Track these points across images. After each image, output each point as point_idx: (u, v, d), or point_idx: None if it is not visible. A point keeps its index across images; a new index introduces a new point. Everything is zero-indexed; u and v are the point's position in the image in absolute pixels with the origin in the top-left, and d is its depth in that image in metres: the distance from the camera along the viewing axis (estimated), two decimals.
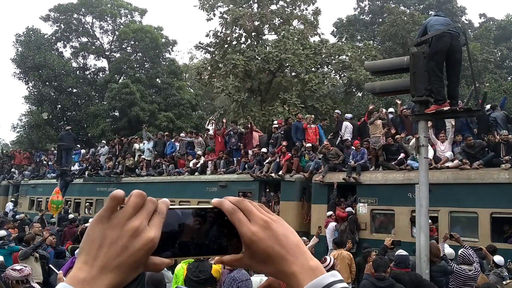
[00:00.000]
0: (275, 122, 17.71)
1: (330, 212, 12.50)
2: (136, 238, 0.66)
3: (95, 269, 0.64)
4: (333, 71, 26.93)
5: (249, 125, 17.21)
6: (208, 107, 40.49)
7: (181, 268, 6.03)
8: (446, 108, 7.27)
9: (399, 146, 12.87)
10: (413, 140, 11.11)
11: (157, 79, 35.17)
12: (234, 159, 16.60)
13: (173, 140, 19.57)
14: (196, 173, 16.84)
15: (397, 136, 13.14)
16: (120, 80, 34.38)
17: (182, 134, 19.74)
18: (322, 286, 0.69)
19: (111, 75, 35.46)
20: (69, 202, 20.36)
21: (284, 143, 14.97)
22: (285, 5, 28.03)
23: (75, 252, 7.66)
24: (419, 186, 7.29)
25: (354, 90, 28.18)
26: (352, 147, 13.47)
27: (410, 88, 7.44)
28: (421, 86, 7.23)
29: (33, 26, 35.64)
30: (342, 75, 26.46)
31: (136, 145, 20.75)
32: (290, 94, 23.72)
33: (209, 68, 26.81)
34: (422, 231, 7.14)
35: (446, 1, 33.37)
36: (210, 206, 0.73)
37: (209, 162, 16.89)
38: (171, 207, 0.71)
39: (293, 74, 25.95)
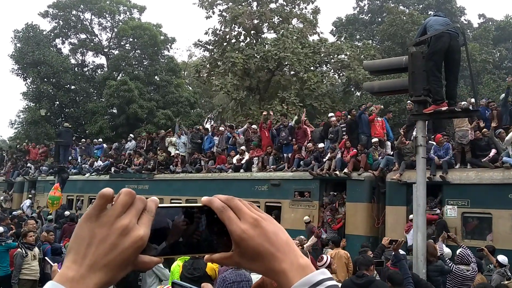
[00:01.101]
0: (331, 114, 16.33)
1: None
2: (125, 237, 0.65)
3: (83, 267, 0.64)
4: (332, 70, 26.95)
5: (302, 118, 15.89)
6: (207, 105, 40.45)
7: (177, 265, 6.04)
8: (444, 108, 7.28)
9: (488, 141, 11.46)
10: (511, 135, 10.65)
11: (156, 77, 35.12)
12: (284, 154, 15.21)
13: (210, 134, 18.17)
14: (241, 170, 15.50)
15: (485, 130, 11.74)
16: (119, 77, 34.29)
17: (221, 128, 18.31)
18: (312, 283, 0.69)
19: (110, 72, 35.40)
20: (93, 200, 19.29)
21: (346, 137, 13.58)
22: (285, 3, 28.01)
23: None
24: (417, 186, 7.30)
25: (352, 89, 28.20)
26: (432, 142, 11.77)
27: (409, 87, 7.45)
28: (419, 86, 7.24)
29: (31, 22, 35.61)
30: (341, 74, 26.46)
31: (171, 139, 19.15)
32: (288, 93, 23.72)
33: (207, 66, 26.80)
34: (419, 231, 7.15)
35: (445, 1, 33.37)
36: (200, 205, 0.73)
37: (255, 158, 15.52)
38: (160, 205, 0.71)
39: (292, 72, 25.95)
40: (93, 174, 20.85)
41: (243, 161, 15.63)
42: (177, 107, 32.82)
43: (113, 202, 0.68)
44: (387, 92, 8.79)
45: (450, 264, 7.18)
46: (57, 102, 34.82)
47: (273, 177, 14.37)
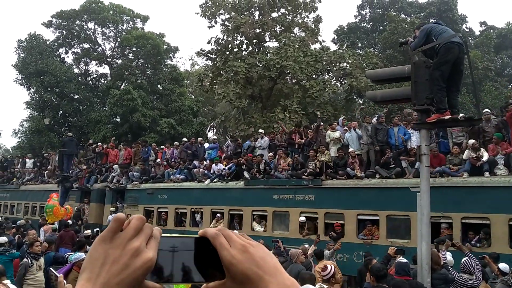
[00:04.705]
0: None
1: None
2: (136, 258, 0.70)
3: (97, 286, 0.68)
4: (334, 78, 27.05)
5: None
6: (209, 113, 40.58)
7: None
8: (447, 117, 7.31)
9: None
10: None
11: (159, 86, 35.31)
12: None
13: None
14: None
15: None
16: (122, 87, 34.52)
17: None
18: None
19: (113, 81, 35.60)
20: (217, 215, 15.16)
21: None
22: (286, 12, 28.19)
23: (73, 258, 7.68)
24: (421, 195, 7.31)
25: (355, 97, 28.26)
26: None
27: (412, 96, 7.48)
28: (422, 95, 7.27)
29: (35, 32, 35.89)
30: (343, 82, 26.55)
31: (333, 134, 14.40)
32: (291, 101, 23.79)
33: (210, 74, 26.91)
34: (424, 240, 7.15)
35: (446, 9, 33.51)
36: (198, 236, 0.79)
37: None
38: (163, 235, 0.77)
39: (294, 81, 26.04)
40: (214, 180, 16.13)
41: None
42: (180, 115, 32.95)
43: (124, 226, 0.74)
44: (390, 100, 8.84)
45: (453, 273, 7.18)
46: (61, 111, 34.98)
47: None
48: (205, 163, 16.98)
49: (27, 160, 26.23)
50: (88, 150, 23.47)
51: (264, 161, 15.08)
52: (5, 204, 24.92)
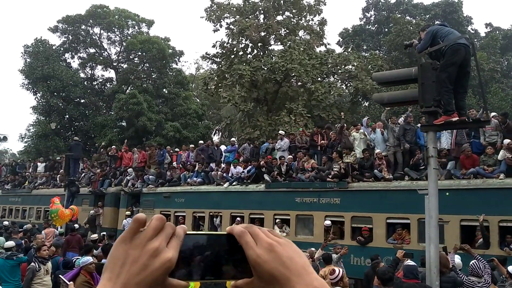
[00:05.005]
0: None
1: None
2: (155, 258, 0.70)
3: (118, 285, 0.69)
4: (339, 81, 27.00)
5: None
6: (214, 116, 40.65)
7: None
8: (455, 119, 7.26)
9: None
10: None
11: (164, 89, 35.44)
12: None
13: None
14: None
15: None
16: (128, 91, 34.66)
17: None
18: None
19: (119, 85, 35.77)
20: (237, 218, 14.69)
21: None
22: (291, 15, 28.21)
23: (80, 262, 7.69)
24: (429, 197, 7.26)
25: (360, 100, 28.20)
26: None
27: (419, 98, 7.43)
28: (429, 97, 7.23)
29: (41, 37, 36.16)
30: (348, 84, 26.50)
31: (357, 134, 14.20)
32: (296, 104, 23.77)
33: (215, 78, 26.97)
34: (432, 243, 7.10)
35: (452, 11, 33.41)
36: (225, 233, 0.78)
37: None
38: (188, 232, 0.76)
39: (299, 84, 26.03)
40: (233, 183, 15.79)
41: None
42: (185, 119, 33.02)
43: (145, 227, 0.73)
44: (397, 103, 8.79)
45: (461, 276, 7.12)
46: (67, 116, 35.19)
47: None
48: (222, 165, 16.62)
49: (38, 164, 26.10)
50: (102, 153, 23.23)
51: (286, 163, 14.65)
52: (16, 209, 24.61)
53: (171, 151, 20.19)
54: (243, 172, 15.62)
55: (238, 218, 14.76)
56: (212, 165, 17.11)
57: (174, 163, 18.90)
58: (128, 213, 18.10)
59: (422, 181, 11.40)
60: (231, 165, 16.18)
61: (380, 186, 12.44)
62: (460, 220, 10.86)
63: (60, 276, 6.62)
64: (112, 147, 22.97)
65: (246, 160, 16.35)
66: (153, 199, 17.84)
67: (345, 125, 15.05)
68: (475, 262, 7.21)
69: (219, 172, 16.34)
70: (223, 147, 18.73)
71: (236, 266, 0.76)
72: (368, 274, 9.10)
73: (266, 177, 14.65)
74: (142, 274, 0.69)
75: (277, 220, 14.06)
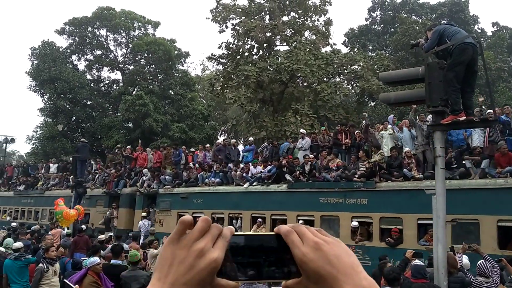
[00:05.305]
0: None
1: None
2: (201, 258, 0.72)
3: (166, 285, 0.72)
4: (345, 81, 26.94)
5: None
6: (220, 117, 40.69)
7: None
8: (462, 118, 7.23)
9: None
10: None
11: (170, 91, 35.54)
12: None
13: None
14: None
15: None
16: (134, 92, 34.79)
17: None
18: None
19: (125, 87, 35.90)
20: (259, 219, 14.42)
21: None
22: (297, 16, 28.20)
23: (88, 263, 7.73)
24: (436, 197, 7.23)
25: (366, 100, 28.11)
26: None
27: (426, 98, 7.40)
28: (436, 96, 7.20)
29: (48, 39, 36.32)
30: (354, 85, 26.43)
31: (385, 132, 13.78)
32: (302, 104, 23.75)
33: (221, 79, 27.01)
34: (440, 243, 7.07)
35: (458, 10, 33.24)
36: (273, 233, 0.77)
37: None
38: (236, 233, 0.77)
39: (305, 84, 26.00)
40: (254, 184, 15.39)
41: None
42: (192, 120, 33.10)
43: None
44: (404, 103, 8.75)
45: (469, 276, 7.08)
46: (74, 118, 35.36)
47: None
48: (241, 165, 16.31)
49: (51, 165, 25.98)
50: (116, 154, 23.07)
51: (310, 162, 14.21)
52: (29, 210, 24.37)
53: (186, 151, 19.98)
54: (263, 172, 15.29)
55: (260, 219, 14.44)
56: (230, 165, 16.84)
57: (190, 163, 18.61)
58: (144, 214, 17.86)
59: (454, 180, 11.12)
60: (251, 165, 15.92)
61: (410, 185, 11.99)
62: (497, 220, 10.50)
63: (65, 280, 6.62)
64: (127, 147, 22.83)
65: (266, 159, 16.05)
66: (170, 200, 17.53)
67: (369, 123, 14.71)
68: (482, 262, 7.17)
69: (238, 172, 16.00)
70: (240, 147, 18.52)
71: (285, 266, 0.75)
72: (375, 274, 9.07)
73: (288, 177, 14.26)
74: (189, 274, 0.71)
75: (300, 221, 13.21)
